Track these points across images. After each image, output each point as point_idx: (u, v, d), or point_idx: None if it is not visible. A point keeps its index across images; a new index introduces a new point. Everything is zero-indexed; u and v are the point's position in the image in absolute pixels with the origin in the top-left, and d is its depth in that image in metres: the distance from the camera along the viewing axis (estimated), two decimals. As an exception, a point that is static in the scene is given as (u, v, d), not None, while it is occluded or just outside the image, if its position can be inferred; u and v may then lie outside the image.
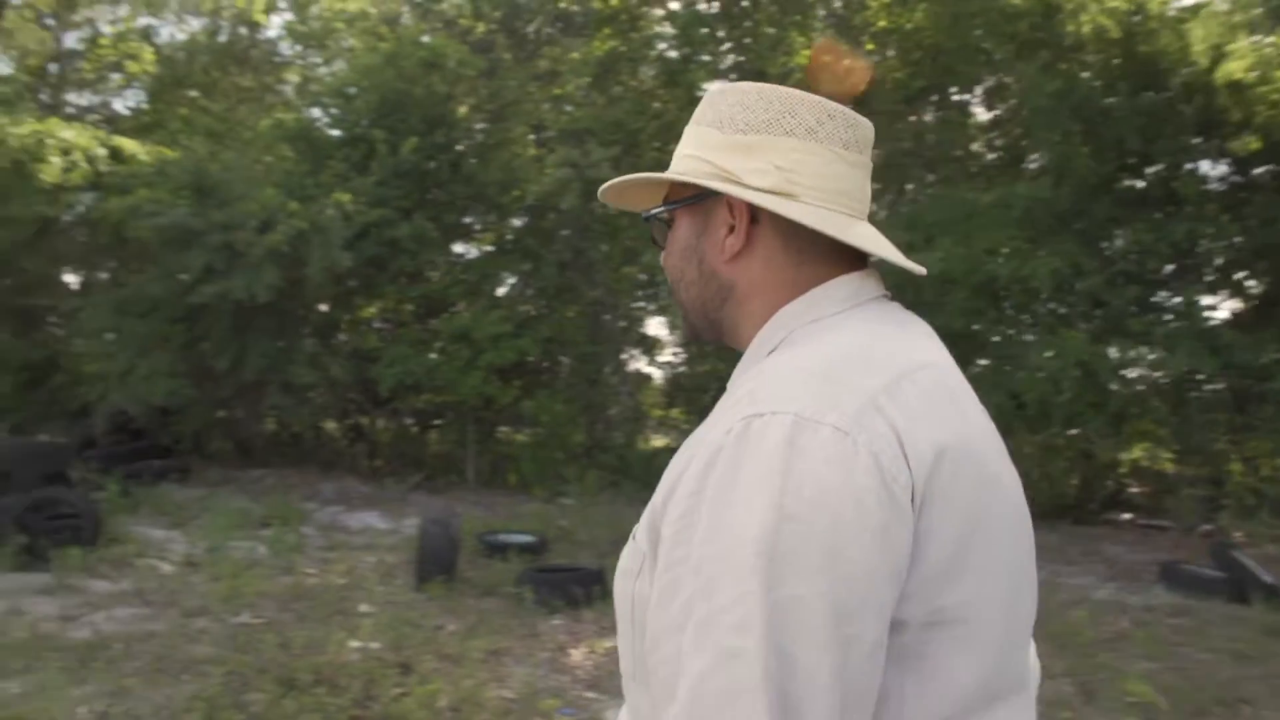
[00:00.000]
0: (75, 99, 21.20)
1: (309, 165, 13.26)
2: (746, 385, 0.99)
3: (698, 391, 14.62)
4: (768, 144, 1.10)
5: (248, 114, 19.08)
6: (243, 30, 22.47)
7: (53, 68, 21.00)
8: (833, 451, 0.88)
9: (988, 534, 0.95)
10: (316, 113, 15.44)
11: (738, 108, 1.14)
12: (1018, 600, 1.00)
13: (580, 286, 14.69)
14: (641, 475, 11.58)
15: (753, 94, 1.14)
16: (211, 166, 12.61)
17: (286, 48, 22.99)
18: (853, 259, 1.13)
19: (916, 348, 1.05)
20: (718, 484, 0.90)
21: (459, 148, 14.17)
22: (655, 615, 0.92)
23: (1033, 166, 13.75)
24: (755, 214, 1.11)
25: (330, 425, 14.95)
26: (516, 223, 15.30)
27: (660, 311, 15.28)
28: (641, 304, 15.87)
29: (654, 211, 1.21)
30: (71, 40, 21.71)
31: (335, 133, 14.19)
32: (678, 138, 1.25)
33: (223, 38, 22.66)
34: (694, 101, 1.40)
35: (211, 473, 13.09)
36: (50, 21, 21.36)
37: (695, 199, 1.16)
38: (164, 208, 11.84)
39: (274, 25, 31.76)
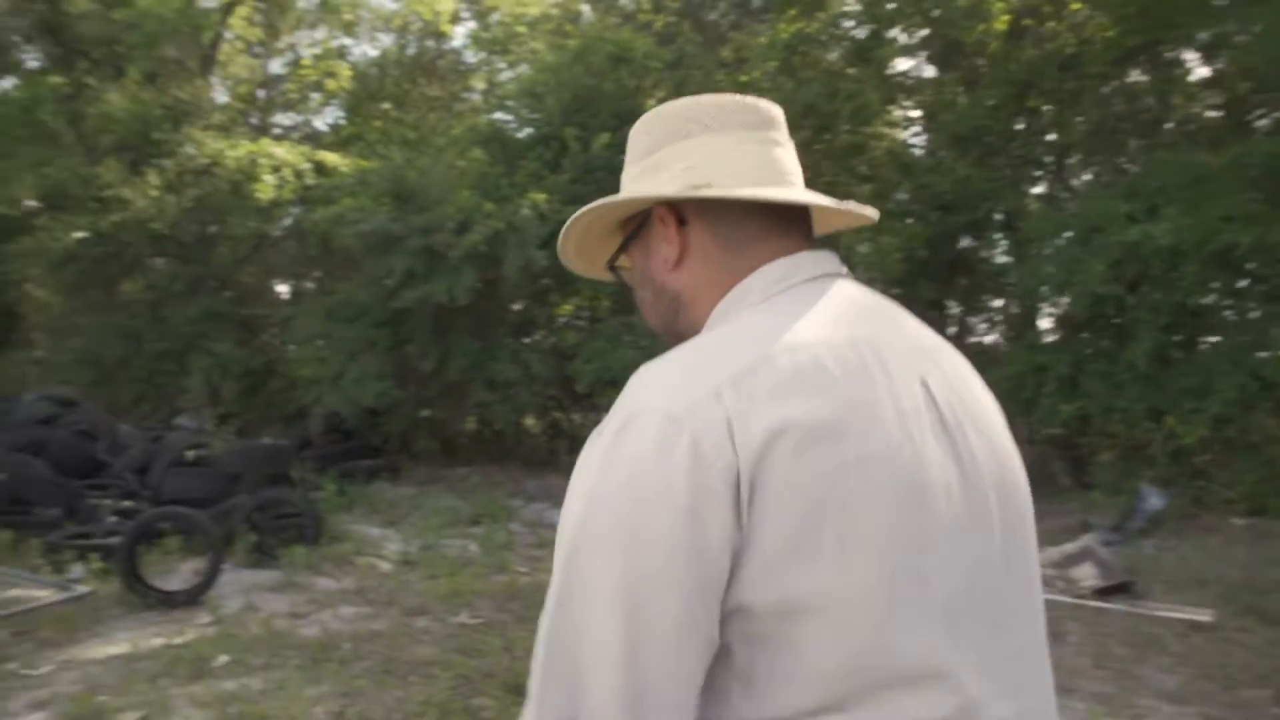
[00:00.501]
0: (281, 120, 22.39)
1: (502, 167, 13.42)
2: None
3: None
4: (671, 154, 1.15)
5: (437, 122, 19.59)
6: (430, 42, 23.22)
7: (260, 93, 22.23)
8: (653, 438, 0.91)
9: (852, 516, 0.91)
10: (503, 115, 15.68)
11: (640, 135, 1.20)
12: (913, 583, 0.93)
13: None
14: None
15: (650, 118, 1.20)
16: (409, 173, 12.92)
17: (471, 56, 23.63)
18: (799, 240, 1.15)
19: (807, 329, 1.01)
20: (571, 481, 0.97)
21: (649, 141, 14.03)
22: None
23: (1262, 123, 12.42)
24: (682, 217, 1.15)
25: (530, 422, 15.11)
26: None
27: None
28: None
29: (611, 261, 1.26)
30: (276, 66, 22.97)
31: (526, 132, 14.33)
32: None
33: (411, 51, 23.48)
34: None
35: (419, 471, 13.45)
36: (258, 50, 22.62)
37: (635, 232, 1.20)
38: (366, 215, 12.20)
39: (458, 35, 32.85)
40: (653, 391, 0.96)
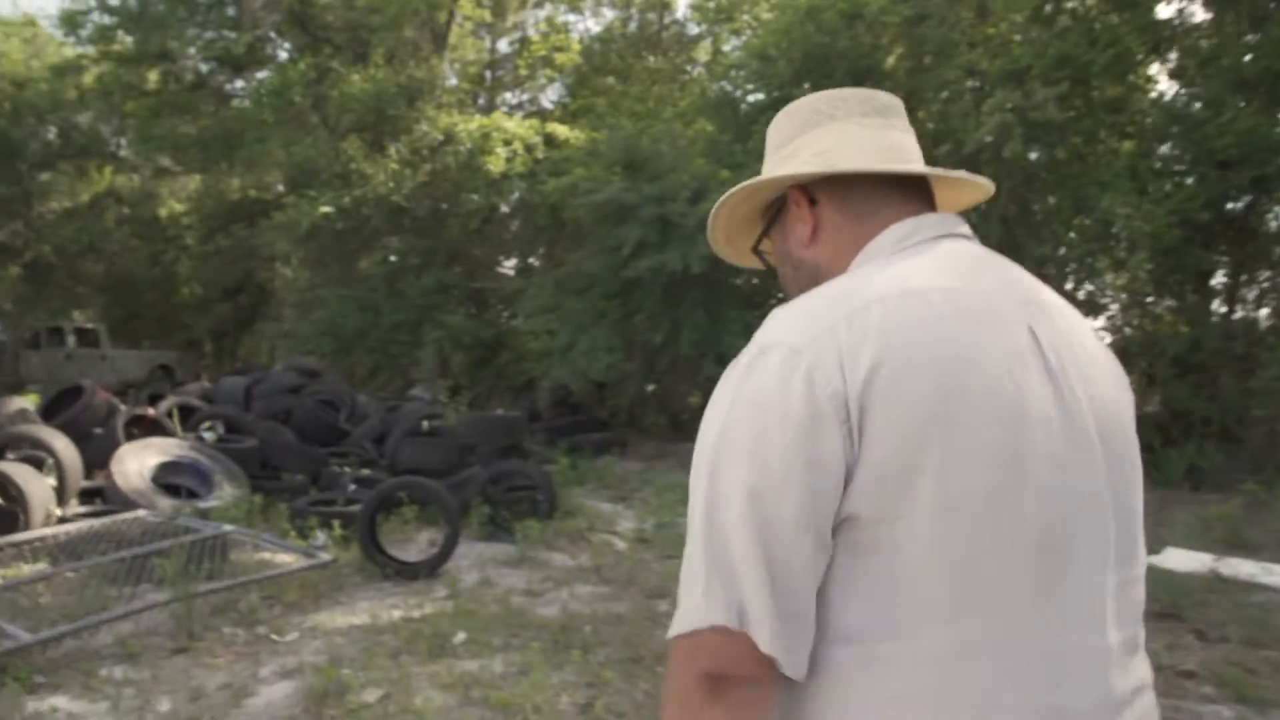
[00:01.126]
0: (507, 98, 22.70)
1: (732, 134, 12.85)
2: None
3: (1145, 354, 12.47)
4: (801, 143, 1.29)
5: (662, 94, 19.26)
6: (652, 15, 22.93)
7: (487, 74, 22.58)
8: (777, 368, 1.03)
9: (952, 439, 0.99)
10: (728, 85, 15.10)
11: (774, 131, 1.35)
12: (1009, 506, 1.01)
13: (1026, 244, 13.08)
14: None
15: (780, 116, 1.35)
16: (641, 142, 12.55)
17: (695, 26, 23.22)
18: (920, 208, 1.25)
19: (922, 276, 1.11)
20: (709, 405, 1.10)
21: (889, 99, 13.12)
22: None
23: None
24: (813, 197, 1.27)
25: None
26: (951, 176, 13.95)
27: (1116, 267, 13.30)
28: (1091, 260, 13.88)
29: (755, 245, 1.41)
30: (503, 46, 23.31)
31: (756, 98, 13.69)
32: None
33: (634, 25, 23.29)
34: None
35: (646, 446, 13.13)
36: (484, 34, 22.99)
37: (775, 216, 1.33)
38: (599, 185, 11.91)
39: (681, 6, 32.56)
40: (780, 329, 1.08)
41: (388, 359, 15.57)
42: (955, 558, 0.99)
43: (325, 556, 5.99)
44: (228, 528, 6.26)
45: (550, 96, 23.27)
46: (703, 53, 22.36)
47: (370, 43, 17.26)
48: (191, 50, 20.78)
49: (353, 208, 15.20)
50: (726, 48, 21.04)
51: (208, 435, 9.19)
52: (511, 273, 17.89)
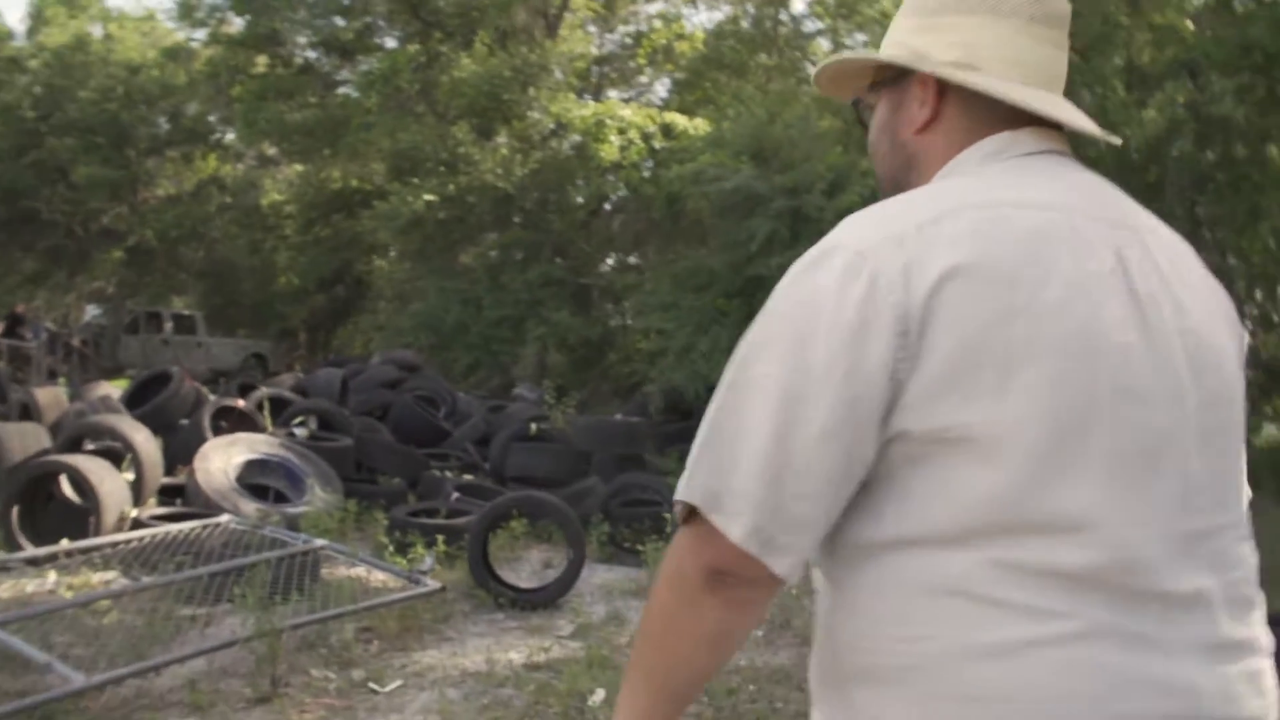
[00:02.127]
0: (616, 95, 21.85)
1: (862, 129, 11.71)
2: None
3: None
4: (953, 23, 1.16)
5: (782, 89, 18.18)
6: (769, 9, 21.91)
7: (594, 69, 21.77)
8: (840, 269, 0.99)
9: (1013, 359, 0.95)
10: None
11: None
12: (1072, 433, 0.96)
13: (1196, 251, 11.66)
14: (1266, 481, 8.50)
15: None
16: (773, 129, 11.49)
17: (814, 22, 22.18)
18: (1025, 124, 1.15)
19: (1003, 191, 1.06)
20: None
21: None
22: None
23: None
24: (942, 88, 1.17)
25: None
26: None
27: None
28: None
29: (859, 97, 1.30)
30: (612, 40, 22.48)
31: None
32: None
33: (749, 21, 22.28)
34: None
35: None
36: (592, 29, 22.19)
37: (893, 80, 1.22)
38: (726, 172, 10.88)
39: (799, 2, 31.44)
40: (849, 232, 1.04)
41: (488, 355, 14.74)
42: (1006, 485, 0.96)
43: (432, 583, 5.06)
44: (319, 542, 5.38)
45: (660, 93, 22.42)
46: (819, 50, 21.30)
47: (479, 26, 16.49)
48: (301, 37, 20.43)
49: (457, 196, 14.43)
50: (848, 42, 19.94)
51: (299, 431, 8.38)
52: (617, 269, 16.92)
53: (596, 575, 6.43)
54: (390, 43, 20.07)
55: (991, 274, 0.96)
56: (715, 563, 1.00)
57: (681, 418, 12.58)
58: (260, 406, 9.08)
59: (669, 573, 1.05)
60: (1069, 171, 1.12)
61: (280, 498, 7.02)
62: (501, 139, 14.48)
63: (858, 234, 1.02)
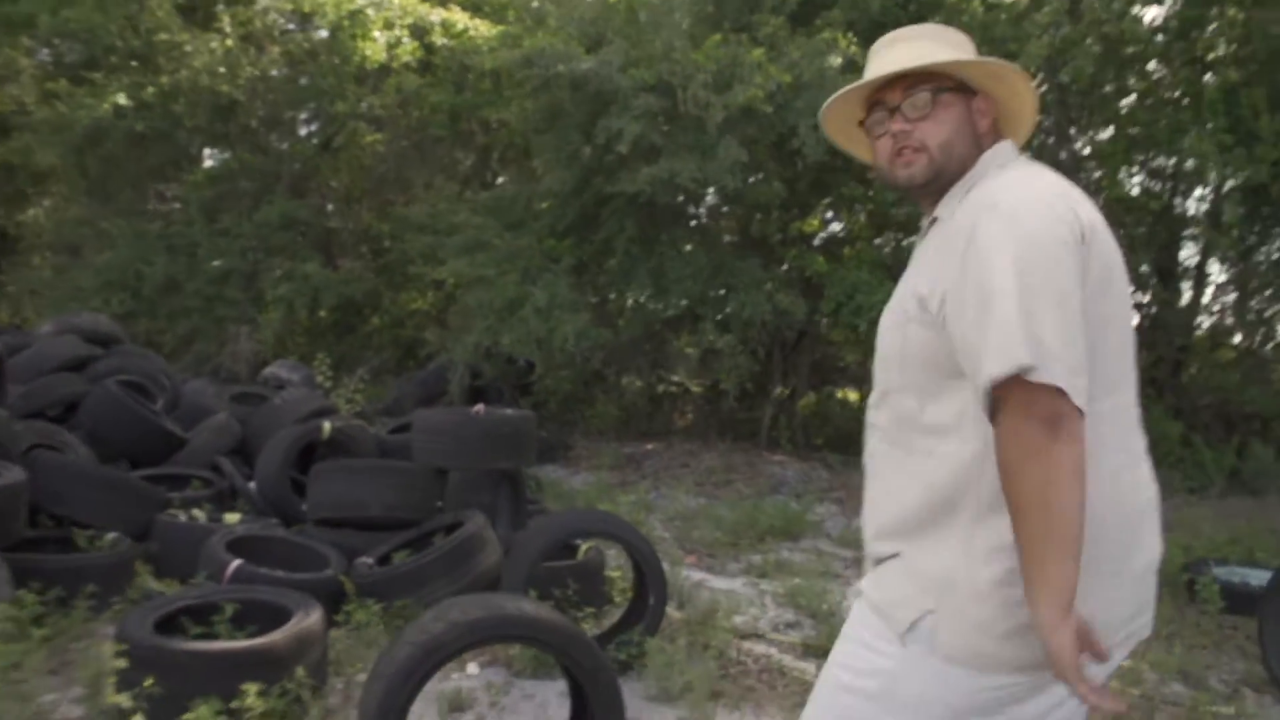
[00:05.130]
0: None
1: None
2: (982, 196, 1.61)
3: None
4: (975, 51, 1.79)
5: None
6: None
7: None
8: (1043, 210, 1.53)
9: (1118, 277, 1.59)
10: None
11: (955, 38, 1.79)
12: (1129, 327, 1.63)
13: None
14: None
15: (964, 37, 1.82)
16: (615, 8, 8.62)
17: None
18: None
19: (1054, 177, 1.66)
20: (986, 239, 1.52)
21: None
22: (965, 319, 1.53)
23: None
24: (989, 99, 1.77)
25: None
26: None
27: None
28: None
29: (940, 86, 1.73)
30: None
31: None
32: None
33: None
34: None
35: (590, 449, 9.41)
36: None
37: (958, 88, 1.74)
38: (569, 55, 7.93)
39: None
40: (1028, 193, 1.58)
41: (211, 322, 10.89)
42: (1119, 353, 1.59)
43: None
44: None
45: None
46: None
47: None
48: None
49: (157, 103, 10.44)
50: None
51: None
52: (382, 205, 13.32)
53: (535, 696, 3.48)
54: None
55: (1102, 228, 1.58)
56: (1049, 412, 1.39)
57: (476, 398, 9.70)
58: None
59: (1021, 449, 1.41)
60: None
61: None
62: (224, 26, 10.59)
63: (1034, 194, 1.57)
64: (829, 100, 1.76)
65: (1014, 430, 1.39)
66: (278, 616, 3.61)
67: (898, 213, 9.34)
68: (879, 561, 1.66)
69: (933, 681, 1.53)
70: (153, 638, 3.23)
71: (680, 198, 8.49)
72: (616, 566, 4.63)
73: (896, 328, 1.67)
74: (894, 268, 9.01)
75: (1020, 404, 1.38)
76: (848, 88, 1.74)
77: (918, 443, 1.60)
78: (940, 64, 1.68)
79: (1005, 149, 1.71)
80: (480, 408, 5.46)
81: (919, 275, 1.65)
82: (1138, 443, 1.61)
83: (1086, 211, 1.55)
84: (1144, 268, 9.87)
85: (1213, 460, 8.88)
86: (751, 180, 8.63)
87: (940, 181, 1.70)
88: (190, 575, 4.33)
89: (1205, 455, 8.88)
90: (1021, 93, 1.74)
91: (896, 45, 1.73)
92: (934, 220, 1.70)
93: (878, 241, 10.27)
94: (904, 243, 9.99)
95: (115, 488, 4.88)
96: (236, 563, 4.19)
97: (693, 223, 9.46)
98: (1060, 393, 1.37)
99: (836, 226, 10.67)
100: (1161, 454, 9.00)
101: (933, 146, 1.68)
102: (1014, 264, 1.44)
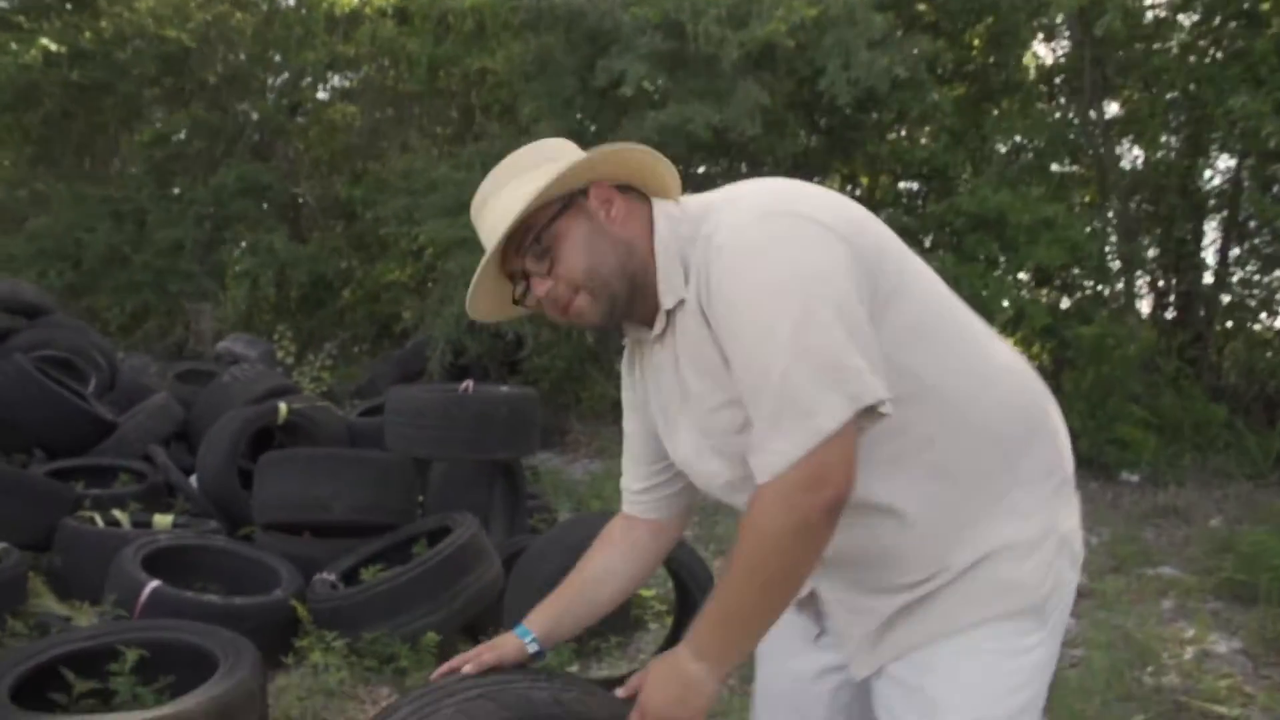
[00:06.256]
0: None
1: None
2: (709, 228, 1.34)
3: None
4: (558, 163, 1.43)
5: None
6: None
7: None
8: (817, 232, 1.33)
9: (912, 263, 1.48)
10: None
11: (537, 155, 1.44)
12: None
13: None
14: None
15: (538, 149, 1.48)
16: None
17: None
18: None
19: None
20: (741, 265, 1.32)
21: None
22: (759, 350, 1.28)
23: None
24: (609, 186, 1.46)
25: None
26: None
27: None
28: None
29: (540, 228, 1.40)
30: None
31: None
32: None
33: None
34: None
35: (588, 433, 8.54)
36: None
37: (562, 209, 1.40)
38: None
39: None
40: (788, 196, 1.38)
41: (162, 297, 9.81)
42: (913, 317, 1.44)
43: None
44: None
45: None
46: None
47: None
48: None
49: (98, 51, 9.32)
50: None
51: None
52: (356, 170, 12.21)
53: None
54: None
55: (875, 228, 1.46)
56: (838, 496, 1.21)
57: (509, 370, 8.79)
58: None
59: (788, 529, 1.23)
60: None
61: None
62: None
63: (788, 195, 1.40)
64: (469, 296, 1.48)
65: (785, 513, 1.24)
66: (200, 665, 2.62)
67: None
68: (926, 596, 1.41)
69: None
70: (3, 710, 2.23)
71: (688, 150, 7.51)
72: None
73: (728, 433, 1.39)
74: (915, 233, 8.15)
75: (803, 482, 1.23)
76: (474, 279, 1.45)
77: (860, 518, 1.36)
78: (526, 210, 1.36)
79: (670, 209, 1.44)
80: (469, 384, 4.47)
81: (694, 376, 1.40)
82: (986, 364, 1.45)
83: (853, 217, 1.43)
84: (1175, 239, 9.03)
85: (1257, 445, 8.13)
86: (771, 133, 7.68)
87: (625, 297, 1.42)
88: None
89: (1249, 440, 8.13)
90: (623, 156, 1.44)
91: (485, 208, 1.45)
92: (667, 325, 1.42)
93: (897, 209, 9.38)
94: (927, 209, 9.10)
95: (5, 485, 3.85)
96: (153, 585, 3.19)
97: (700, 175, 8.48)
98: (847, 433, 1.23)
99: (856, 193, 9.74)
100: (1208, 439, 8.21)
101: (584, 283, 1.41)
102: (802, 286, 1.30)
